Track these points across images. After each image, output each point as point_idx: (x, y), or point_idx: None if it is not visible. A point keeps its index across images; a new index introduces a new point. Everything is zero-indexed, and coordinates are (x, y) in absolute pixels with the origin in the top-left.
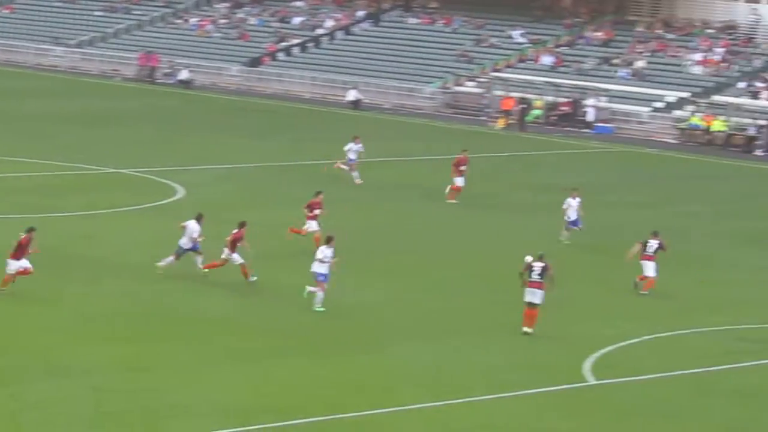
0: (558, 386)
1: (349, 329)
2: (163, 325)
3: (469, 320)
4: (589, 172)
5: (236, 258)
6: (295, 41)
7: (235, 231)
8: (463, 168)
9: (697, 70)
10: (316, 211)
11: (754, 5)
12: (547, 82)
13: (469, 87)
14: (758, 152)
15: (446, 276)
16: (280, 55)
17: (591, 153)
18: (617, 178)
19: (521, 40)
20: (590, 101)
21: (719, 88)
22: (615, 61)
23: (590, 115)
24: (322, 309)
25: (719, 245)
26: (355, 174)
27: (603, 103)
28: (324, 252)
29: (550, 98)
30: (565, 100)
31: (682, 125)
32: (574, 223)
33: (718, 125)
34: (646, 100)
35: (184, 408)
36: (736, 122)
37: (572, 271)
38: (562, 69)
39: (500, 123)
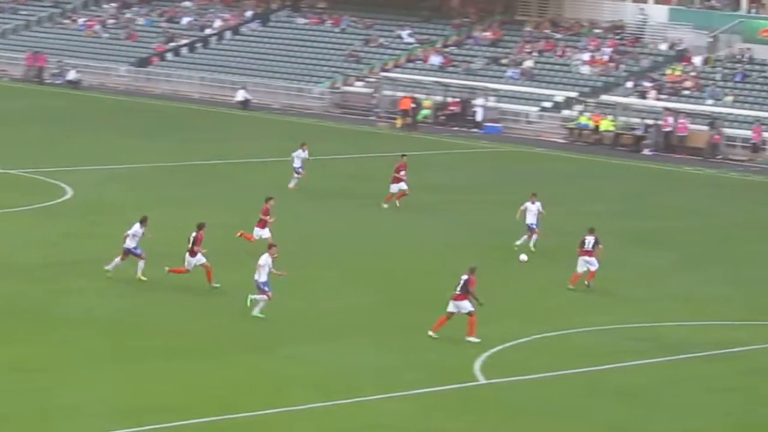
0: (448, 386)
1: (242, 330)
2: (54, 325)
3: (361, 320)
4: (478, 172)
5: (199, 260)
6: (184, 41)
7: (194, 234)
8: (402, 173)
9: (585, 69)
10: (268, 218)
11: (641, 5)
12: (435, 81)
13: (358, 87)
14: (646, 152)
15: (339, 276)
16: (169, 56)
17: (480, 153)
18: (506, 177)
19: (410, 40)
20: (479, 101)
21: (607, 88)
22: (503, 60)
23: (479, 115)
24: (262, 316)
25: (608, 244)
26: (294, 180)
27: (492, 102)
28: (265, 260)
29: (439, 98)
30: (454, 99)
31: (571, 125)
32: (530, 227)
33: (606, 125)
34: (534, 99)
35: (76, 409)
36: (624, 122)
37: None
38: (451, 69)
39: (398, 123)
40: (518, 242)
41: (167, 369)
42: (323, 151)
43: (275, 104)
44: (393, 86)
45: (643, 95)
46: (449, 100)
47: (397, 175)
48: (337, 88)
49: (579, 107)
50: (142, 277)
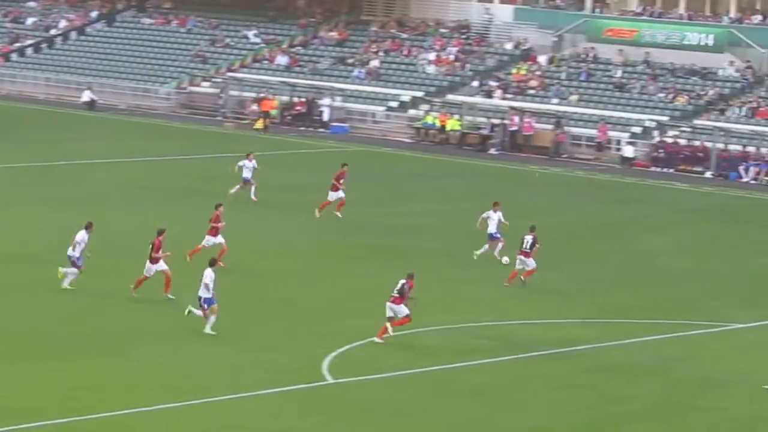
0: (296, 386)
1: (91, 332)
2: None
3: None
4: (325, 172)
5: (160, 266)
6: (29, 42)
7: (153, 240)
8: (341, 182)
9: (431, 69)
10: (219, 225)
11: (486, 5)
12: (282, 82)
13: (205, 87)
14: (492, 151)
15: (183, 277)
16: (14, 56)
17: (327, 152)
18: (353, 177)
19: (256, 40)
20: (325, 101)
21: (453, 88)
22: (350, 60)
23: (326, 115)
24: (213, 333)
25: (454, 244)
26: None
27: (338, 102)
28: (210, 275)
29: (286, 98)
30: (301, 99)
31: (417, 124)
32: (492, 236)
33: (452, 124)
34: (381, 99)
35: None
36: (470, 121)
37: (306, 271)
38: (297, 69)
39: (259, 124)
40: (478, 252)
41: (12, 371)
42: (170, 151)
43: (121, 105)
44: (240, 86)
45: (488, 94)
46: (296, 100)
47: (336, 183)
48: (184, 89)
49: (425, 107)
50: (68, 287)
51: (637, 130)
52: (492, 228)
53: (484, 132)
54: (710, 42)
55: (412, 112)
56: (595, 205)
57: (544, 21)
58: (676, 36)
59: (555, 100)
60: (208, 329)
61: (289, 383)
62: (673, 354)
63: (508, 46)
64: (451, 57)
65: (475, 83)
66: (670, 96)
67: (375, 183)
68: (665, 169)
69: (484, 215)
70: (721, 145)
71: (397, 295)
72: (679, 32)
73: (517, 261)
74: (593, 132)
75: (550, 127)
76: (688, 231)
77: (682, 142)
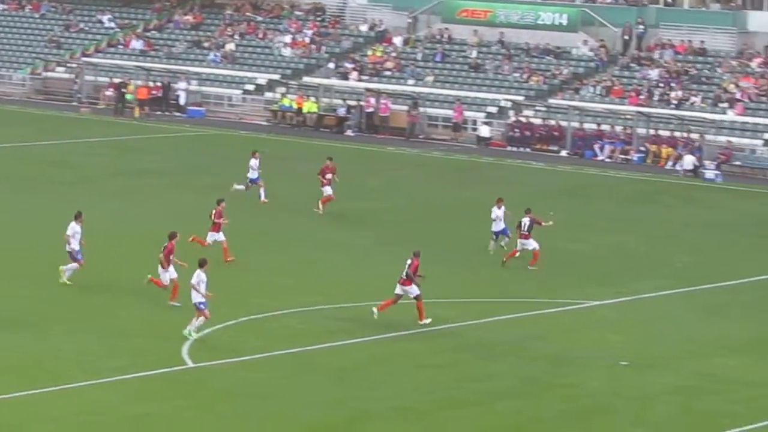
0: (156, 370)
1: None
2: None
3: (65, 308)
4: (182, 156)
5: (171, 272)
6: None
7: (165, 244)
8: (329, 177)
9: (287, 52)
10: (222, 221)
11: None
12: (137, 66)
13: (60, 72)
14: (349, 132)
15: (40, 263)
16: None
17: (184, 137)
18: (210, 161)
19: (110, 24)
20: (181, 85)
21: (309, 70)
22: (205, 44)
23: (182, 99)
24: (196, 334)
25: (313, 225)
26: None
27: (194, 86)
28: (200, 277)
29: (141, 82)
30: (156, 84)
31: (274, 107)
32: (503, 232)
33: (309, 106)
34: (237, 82)
35: None
36: (327, 103)
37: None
38: (153, 53)
39: (136, 113)
40: (490, 249)
41: None
42: (24, 137)
43: None
44: (95, 71)
45: (345, 76)
46: (151, 84)
47: (322, 178)
48: (38, 74)
49: (281, 89)
50: (68, 282)
51: (493, 110)
52: (499, 226)
53: (341, 114)
54: (564, 21)
55: (268, 95)
56: (452, 186)
57: (398, 2)
58: (530, 16)
59: (411, 81)
60: (191, 329)
61: (150, 368)
62: (531, 332)
63: (363, 28)
64: (307, 39)
65: (331, 65)
66: (525, 76)
67: (231, 167)
68: (521, 149)
69: (493, 215)
70: (576, 124)
71: (404, 277)
72: (532, 12)
73: (518, 243)
74: (449, 112)
75: (406, 108)
76: (544, 210)
77: (538, 121)
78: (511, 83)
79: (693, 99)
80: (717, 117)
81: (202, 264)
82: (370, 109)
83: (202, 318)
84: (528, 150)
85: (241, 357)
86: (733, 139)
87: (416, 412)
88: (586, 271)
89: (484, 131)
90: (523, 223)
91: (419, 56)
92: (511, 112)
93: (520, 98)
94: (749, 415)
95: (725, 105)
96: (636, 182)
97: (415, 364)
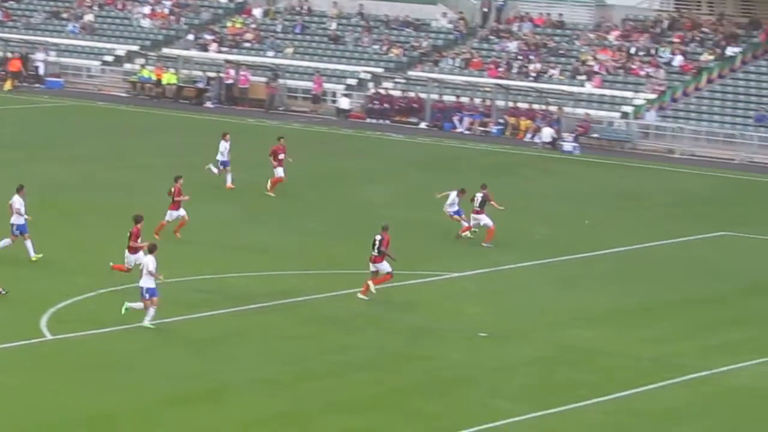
0: (15, 343)
1: None
2: None
3: None
4: (42, 128)
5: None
6: None
7: (131, 229)
8: (281, 157)
9: (146, 23)
10: (182, 198)
11: None
12: None
13: None
14: (208, 104)
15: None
16: None
17: (43, 108)
18: (69, 132)
19: None
20: (40, 55)
21: (168, 41)
22: (63, 15)
23: (41, 70)
24: (152, 326)
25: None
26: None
27: (53, 57)
28: (152, 263)
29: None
30: (15, 55)
31: (133, 78)
32: (458, 213)
33: (168, 78)
34: (96, 53)
35: None
36: (186, 75)
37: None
38: (11, 24)
39: (7, 85)
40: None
41: None
42: None
43: None
44: None
45: (204, 48)
46: (9, 55)
47: (274, 159)
48: None
49: (141, 61)
50: (36, 257)
51: (353, 82)
52: (453, 207)
53: (200, 85)
54: None
55: (127, 66)
56: (312, 158)
57: None
58: None
59: (270, 53)
60: (147, 323)
61: (7, 341)
62: (392, 303)
63: None
64: (166, 11)
65: (191, 37)
66: (385, 48)
67: (92, 138)
68: (381, 121)
69: (449, 200)
70: (435, 96)
71: (376, 254)
72: None
73: (471, 219)
74: (309, 84)
75: (265, 80)
76: (404, 181)
77: (397, 93)
78: (370, 55)
79: (551, 71)
80: (575, 89)
81: (152, 249)
82: (230, 81)
83: (153, 308)
84: (387, 122)
85: (100, 329)
86: (591, 112)
87: (276, 384)
88: (446, 242)
89: (344, 103)
90: (476, 198)
91: (279, 28)
92: (371, 84)
93: (380, 70)
94: (606, 385)
95: (583, 77)
96: (495, 154)
97: (275, 336)
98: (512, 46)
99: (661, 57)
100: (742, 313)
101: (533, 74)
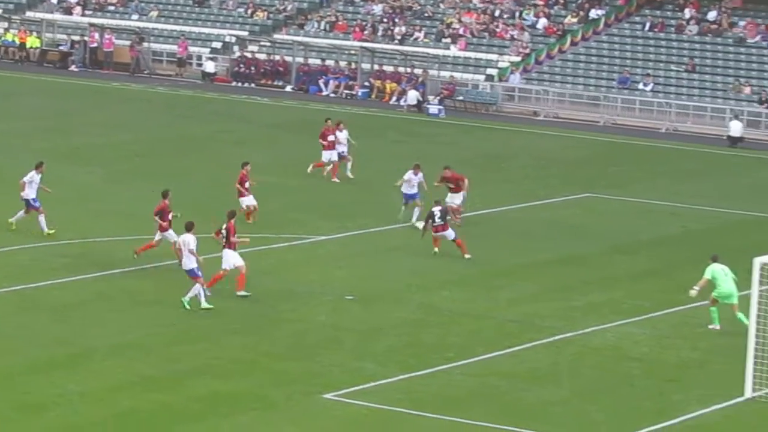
0: None
1: None
2: None
3: None
4: None
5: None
6: None
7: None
8: (331, 139)
9: None
10: (249, 183)
11: None
12: None
13: None
14: (73, 68)
15: None
16: None
17: None
18: None
19: None
20: None
21: (32, 5)
22: None
23: None
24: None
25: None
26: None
27: None
28: (193, 241)
29: None
30: None
31: None
32: (413, 197)
33: (32, 41)
34: None
35: None
36: (50, 38)
37: None
38: None
39: None
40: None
41: None
42: None
43: None
44: None
45: (68, 11)
46: None
47: (323, 141)
48: None
49: (4, 24)
50: (50, 231)
51: (218, 45)
52: (412, 190)
53: (64, 49)
54: None
55: None
56: (178, 121)
57: None
58: None
59: (135, 17)
60: (190, 298)
61: None
62: (259, 267)
63: None
64: None
65: (54, 0)
66: (249, 11)
67: None
68: (246, 84)
69: (405, 177)
70: (300, 60)
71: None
72: None
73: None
74: (174, 48)
75: (130, 43)
76: (269, 145)
77: (262, 56)
78: (235, 18)
79: (416, 34)
80: (440, 52)
81: (189, 228)
82: (94, 45)
83: (197, 285)
84: (253, 85)
85: None
86: (456, 75)
87: (143, 349)
88: (310, 205)
89: (209, 67)
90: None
91: None
92: (236, 48)
93: (245, 33)
94: (472, 347)
95: (448, 40)
96: (361, 117)
97: (141, 301)
98: (377, 9)
99: (525, 20)
100: (605, 274)
101: (398, 37)
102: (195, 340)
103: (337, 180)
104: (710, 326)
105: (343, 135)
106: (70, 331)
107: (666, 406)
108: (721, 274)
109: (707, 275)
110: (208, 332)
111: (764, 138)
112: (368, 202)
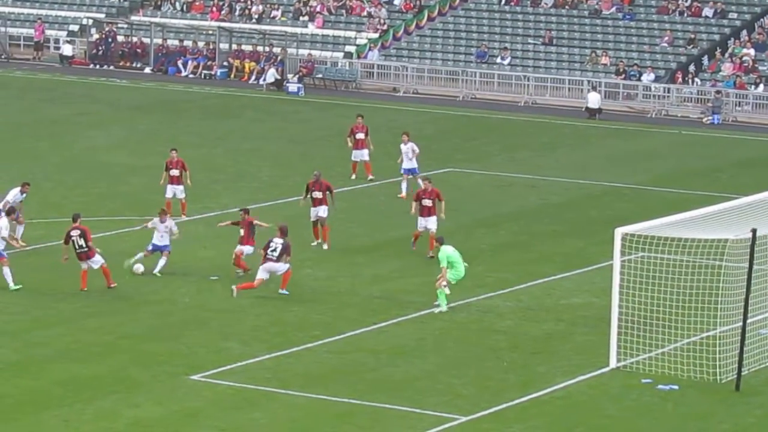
0: None
1: None
2: None
3: None
4: None
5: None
6: None
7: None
8: (360, 137)
9: None
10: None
11: None
12: None
13: None
14: None
15: None
16: None
17: None
18: None
19: None
20: None
21: None
22: None
23: None
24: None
25: None
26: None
27: None
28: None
29: None
30: None
31: None
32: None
33: None
34: None
35: None
36: None
37: None
38: None
39: None
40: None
41: None
42: None
43: None
44: None
45: None
46: None
47: (351, 137)
48: None
49: None
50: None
51: (74, 28)
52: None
53: None
54: None
55: None
56: (35, 105)
57: None
58: None
59: None
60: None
61: None
62: (121, 249)
63: None
64: None
65: None
66: None
67: None
68: (105, 66)
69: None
70: (158, 41)
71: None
72: None
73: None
74: (30, 31)
75: None
76: (128, 127)
77: (120, 38)
78: (92, 1)
79: (274, 13)
80: (298, 30)
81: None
82: None
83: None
84: (111, 68)
85: None
86: (315, 52)
87: (5, 334)
88: None
89: (67, 50)
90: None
91: None
92: (94, 30)
93: (102, 16)
94: (338, 324)
95: (306, 18)
96: (220, 97)
97: (1, 285)
98: None
99: None
100: (468, 247)
101: (256, 16)
102: (57, 324)
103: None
104: (440, 309)
105: (408, 147)
106: None
107: (532, 378)
108: (455, 255)
109: (443, 263)
110: (70, 315)
111: (622, 109)
112: (229, 181)
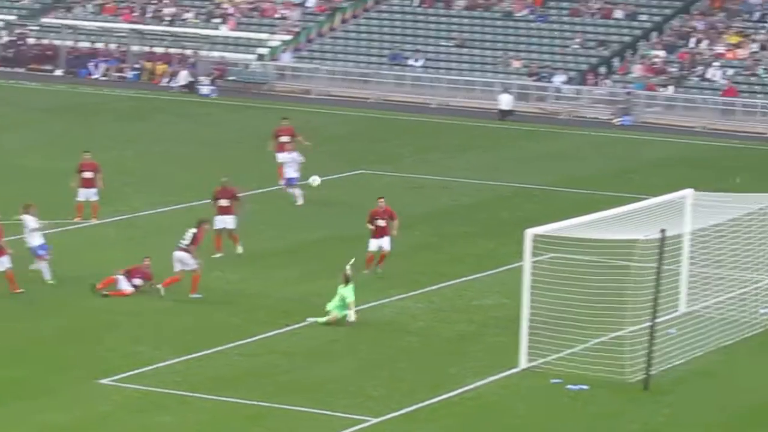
0: None
1: None
2: None
3: None
4: None
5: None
6: None
7: (194, 231)
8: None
9: None
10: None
11: None
12: None
13: None
14: None
15: None
16: None
17: None
18: None
19: None
20: None
21: None
22: None
23: None
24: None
25: None
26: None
27: None
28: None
29: None
30: None
31: None
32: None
33: None
34: None
35: None
36: None
37: None
38: None
39: None
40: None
41: None
42: None
43: None
44: None
45: None
46: None
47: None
48: None
49: None
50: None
51: None
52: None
53: None
54: None
55: None
56: None
57: None
58: None
59: None
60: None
61: None
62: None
63: None
64: None
65: None
66: None
67: None
68: (14, 69)
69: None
70: (70, 43)
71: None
72: None
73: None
74: None
75: None
76: (39, 129)
77: (31, 41)
78: (2, 2)
79: (186, 15)
80: (210, 32)
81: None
82: None
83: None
84: (22, 70)
85: None
86: (227, 54)
87: None
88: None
89: None
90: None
91: None
92: (4, 32)
93: (12, 17)
94: (251, 327)
95: (218, 20)
96: (132, 99)
97: None
98: None
99: None
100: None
101: (168, 18)
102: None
103: None
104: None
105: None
106: None
107: (443, 379)
108: (347, 293)
109: (350, 299)
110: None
111: (533, 110)
112: (140, 184)
